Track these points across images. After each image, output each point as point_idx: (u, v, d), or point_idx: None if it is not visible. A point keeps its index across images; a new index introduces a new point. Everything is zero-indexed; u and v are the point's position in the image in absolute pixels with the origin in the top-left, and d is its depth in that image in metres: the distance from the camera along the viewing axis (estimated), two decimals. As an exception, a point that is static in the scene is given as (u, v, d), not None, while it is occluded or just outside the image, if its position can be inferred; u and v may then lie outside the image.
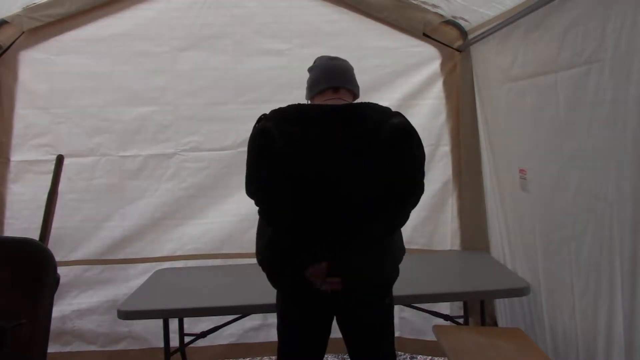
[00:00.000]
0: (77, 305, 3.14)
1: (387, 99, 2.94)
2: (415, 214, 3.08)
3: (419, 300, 2.74)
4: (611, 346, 1.86)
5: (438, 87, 3.18)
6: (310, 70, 2.02)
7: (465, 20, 3.01)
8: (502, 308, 2.97)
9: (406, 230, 3.06)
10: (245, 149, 1.86)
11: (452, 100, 3.18)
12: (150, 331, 3.08)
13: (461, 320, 2.97)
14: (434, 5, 3.01)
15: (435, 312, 2.93)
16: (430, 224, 3.22)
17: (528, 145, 2.44)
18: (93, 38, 3.08)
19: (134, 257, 3.18)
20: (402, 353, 3.25)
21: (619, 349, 1.81)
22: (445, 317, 2.90)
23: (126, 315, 2.39)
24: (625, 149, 1.69)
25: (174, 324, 2.76)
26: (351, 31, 3.13)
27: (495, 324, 3.05)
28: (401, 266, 1.94)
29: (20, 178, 3.09)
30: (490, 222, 3.08)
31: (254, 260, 1.95)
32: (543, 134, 2.29)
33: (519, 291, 2.48)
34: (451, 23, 3.08)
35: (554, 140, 2.19)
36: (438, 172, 3.20)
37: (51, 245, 2.12)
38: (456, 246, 3.22)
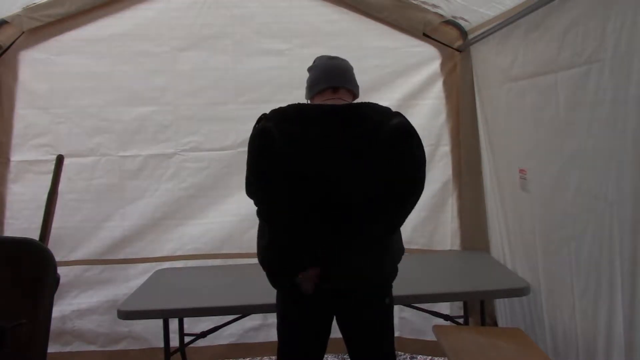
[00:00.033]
0: (77, 305, 3.15)
1: (387, 99, 2.94)
2: (415, 214, 3.08)
3: (419, 300, 2.74)
4: (611, 346, 1.86)
5: (438, 87, 3.18)
6: (309, 70, 2.02)
7: (465, 20, 3.01)
8: (502, 308, 2.97)
9: (406, 230, 3.07)
10: (245, 149, 1.86)
11: (452, 100, 3.18)
12: (150, 331, 3.08)
13: (461, 320, 2.97)
14: (434, 5, 3.01)
15: (435, 312, 2.93)
16: (430, 224, 3.22)
17: (528, 145, 2.44)
18: (93, 38, 3.08)
19: (134, 257, 3.18)
20: (402, 353, 3.25)
21: (619, 349, 1.81)
22: (445, 317, 2.90)
23: (126, 315, 2.39)
24: (625, 149, 1.69)
25: (174, 324, 2.76)
26: (351, 31, 3.13)
27: (495, 324, 3.05)
28: (401, 266, 1.94)
29: (20, 178, 3.09)
30: (490, 222, 3.08)
31: (254, 260, 1.95)
32: (543, 134, 2.29)
33: (519, 291, 2.48)
34: (451, 23, 3.08)
35: (554, 140, 2.19)
36: (438, 172, 3.20)
37: (51, 245, 2.11)
38: (456, 246, 3.22)
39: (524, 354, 2.20)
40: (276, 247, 1.84)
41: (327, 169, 1.78)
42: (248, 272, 2.58)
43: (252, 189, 1.85)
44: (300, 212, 1.80)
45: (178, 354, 2.83)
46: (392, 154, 1.77)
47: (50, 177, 2.35)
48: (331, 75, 1.94)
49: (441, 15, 3.06)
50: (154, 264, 3.15)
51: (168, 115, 3.15)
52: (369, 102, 1.89)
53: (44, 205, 2.26)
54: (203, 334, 2.82)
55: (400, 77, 3.17)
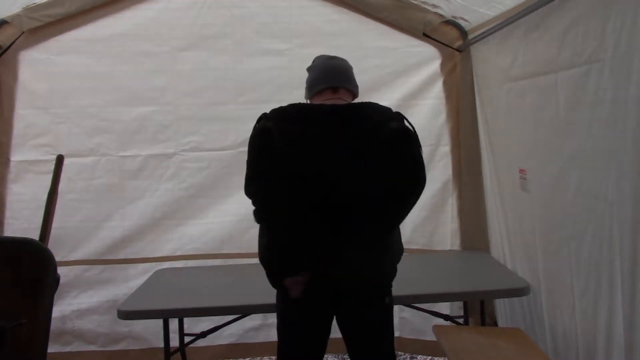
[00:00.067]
0: (77, 305, 3.14)
1: (387, 99, 2.93)
2: (415, 214, 3.13)
3: (419, 300, 2.74)
4: (611, 346, 1.86)
5: (438, 87, 3.18)
6: (309, 69, 2.02)
7: (465, 20, 3.01)
8: (502, 308, 2.97)
9: (406, 230, 3.11)
10: (246, 149, 1.86)
11: (452, 100, 3.18)
12: (150, 331, 3.08)
13: (461, 320, 2.97)
14: (434, 5, 3.01)
15: (435, 312, 2.93)
16: (430, 224, 3.22)
17: (528, 145, 2.44)
18: (93, 38, 3.08)
19: (134, 257, 3.18)
20: (402, 353, 3.25)
21: (619, 349, 1.81)
22: (445, 317, 2.90)
23: (126, 315, 2.39)
24: (625, 149, 1.69)
25: (174, 324, 2.76)
26: (351, 31, 3.13)
27: (495, 324, 3.05)
28: (401, 266, 1.94)
29: (20, 178, 3.09)
30: (490, 222, 3.08)
31: (254, 260, 1.95)
32: (543, 134, 2.29)
33: (519, 291, 2.48)
34: (451, 23, 3.08)
35: (554, 140, 2.19)
36: (438, 172, 3.20)
37: (51, 245, 2.12)
38: (456, 246, 3.22)
39: (524, 354, 2.20)
40: (276, 247, 1.84)
41: (327, 168, 1.79)
42: (248, 272, 2.58)
43: (252, 189, 1.84)
44: (300, 212, 1.80)
45: (178, 354, 2.83)
46: (392, 154, 1.78)
47: (50, 177, 2.35)
48: (331, 75, 1.94)
49: (441, 15, 3.06)
50: (154, 264, 3.15)
51: (168, 115, 3.15)
52: (369, 102, 1.90)
53: (44, 205, 2.26)
54: (203, 334, 2.82)
55: (400, 77, 3.17)
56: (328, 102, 1.90)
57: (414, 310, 3.00)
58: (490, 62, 2.85)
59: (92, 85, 3.10)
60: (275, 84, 3.11)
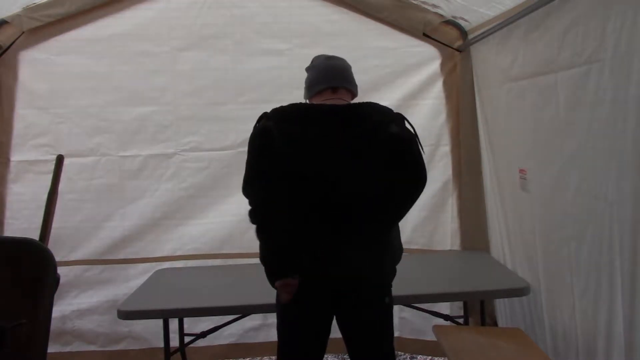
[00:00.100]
0: (77, 305, 3.14)
1: (387, 99, 2.93)
2: (415, 214, 3.14)
3: (419, 300, 2.74)
4: (611, 346, 1.86)
5: (438, 87, 3.18)
6: (307, 70, 2.02)
7: (465, 20, 3.01)
8: (502, 308, 2.97)
9: (406, 230, 3.12)
10: (245, 149, 1.86)
11: (452, 100, 3.18)
12: (150, 331, 3.08)
13: (461, 320, 2.97)
14: (434, 5, 3.01)
15: (435, 312, 2.93)
16: (430, 224, 3.22)
17: (528, 145, 2.44)
18: (93, 38, 3.08)
19: (134, 257, 3.18)
20: (402, 353, 3.24)
21: (619, 349, 1.81)
22: (445, 317, 2.90)
23: (126, 315, 2.39)
24: (625, 149, 1.69)
25: (174, 324, 2.76)
26: (351, 31, 3.13)
27: (495, 324, 3.05)
28: (401, 266, 1.94)
29: (20, 178, 3.09)
30: (490, 222, 3.08)
31: (254, 260, 1.95)
32: (543, 134, 2.29)
33: (519, 291, 2.48)
34: (451, 23, 3.08)
35: (554, 140, 2.19)
36: (438, 172, 3.20)
37: (51, 245, 2.11)
38: (456, 246, 3.22)
39: (524, 354, 2.20)
40: (276, 247, 1.84)
41: (327, 168, 1.79)
42: (248, 272, 2.58)
43: (250, 189, 1.84)
44: (300, 212, 1.80)
45: (178, 354, 2.83)
46: (392, 156, 1.78)
47: (50, 177, 2.35)
48: (330, 75, 1.94)
49: (441, 15, 3.06)
50: (154, 264, 3.15)
51: (168, 115, 3.15)
52: (369, 102, 1.90)
53: (44, 205, 2.26)
54: (203, 334, 2.82)
55: (400, 77, 3.17)
56: (328, 102, 1.89)
57: (414, 310, 3.00)
58: (490, 62, 2.85)
59: (92, 85, 3.10)
60: (275, 84, 3.11)
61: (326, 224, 1.80)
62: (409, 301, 2.69)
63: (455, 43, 3.11)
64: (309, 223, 1.81)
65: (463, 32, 3.08)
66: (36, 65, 3.07)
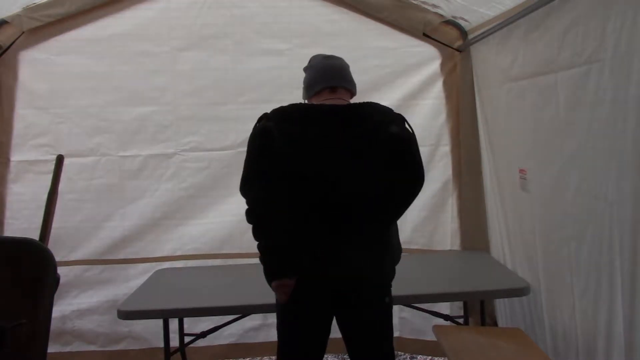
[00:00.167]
0: (77, 305, 3.14)
1: (387, 99, 2.93)
2: (415, 214, 3.14)
3: (419, 300, 2.74)
4: (611, 346, 1.86)
5: (438, 87, 3.18)
6: (305, 70, 2.02)
7: (465, 20, 3.01)
8: (502, 308, 2.97)
9: (406, 230, 3.12)
10: (245, 149, 1.86)
11: (452, 100, 3.18)
12: (150, 331, 3.08)
13: (461, 320, 2.97)
14: (434, 5, 3.01)
15: (435, 312, 2.93)
16: (430, 224, 3.22)
17: (528, 145, 2.44)
18: (93, 38, 3.08)
19: (134, 257, 3.18)
20: (402, 353, 3.24)
21: (619, 349, 1.81)
22: (445, 317, 2.90)
23: (126, 315, 2.39)
24: (625, 149, 1.69)
25: (174, 324, 2.76)
26: (351, 31, 3.13)
27: (495, 324, 3.05)
28: (401, 266, 1.94)
29: (20, 178, 3.09)
30: (490, 222, 3.08)
31: (254, 260, 1.95)
32: (543, 134, 2.29)
33: (519, 291, 2.48)
34: (451, 23, 3.08)
35: (554, 140, 2.19)
36: (438, 172, 3.20)
37: (51, 245, 2.12)
38: (456, 246, 3.22)
39: (524, 354, 2.20)
40: (274, 247, 1.83)
41: (327, 169, 1.79)
42: (248, 272, 2.58)
43: (249, 189, 1.84)
44: (300, 212, 1.80)
45: (178, 354, 2.83)
46: (392, 156, 1.79)
47: (50, 177, 2.35)
48: (328, 75, 1.94)
49: (441, 15, 3.06)
50: (154, 264, 3.15)
51: (168, 115, 3.15)
52: (370, 102, 1.90)
53: (44, 205, 2.26)
54: (203, 334, 2.82)
55: (400, 77, 3.17)
56: (327, 102, 1.90)
57: (414, 310, 3.00)
58: (490, 62, 2.85)
59: (92, 85, 3.10)
60: (275, 84, 3.11)
61: (326, 224, 1.80)
62: (409, 301, 2.69)
63: (455, 43, 3.11)
64: (309, 223, 1.81)
65: (463, 32, 3.08)
66: (36, 65, 3.07)
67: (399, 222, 1.95)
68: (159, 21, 3.11)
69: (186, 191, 3.19)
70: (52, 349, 2.30)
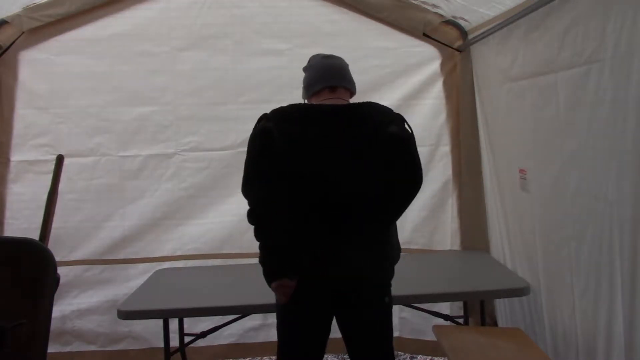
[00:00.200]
0: (77, 305, 3.14)
1: (387, 99, 2.93)
2: (415, 214, 3.14)
3: (419, 300, 2.74)
4: (611, 346, 1.86)
5: (438, 87, 3.18)
6: (305, 70, 2.02)
7: (465, 20, 3.01)
8: (502, 308, 2.97)
9: (406, 230, 3.12)
10: (245, 149, 1.86)
11: (452, 100, 3.18)
12: (150, 331, 3.08)
13: (461, 320, 2.98)
14: (434, 5, 3.01)
15: (435, 312, 2.93)
16: (430, 224, 3.22)
17: (528, 145, 2.44)
18: (93, 38, 3.08)
19: (134, 257, 3.18)
20: (402, 353, 3.24)
21: (619, 349, 1.81)
22: (445, 317, 2.90)
23: (126, 315, 2.39)
24: (625, 149, 1.69)
25: (174, 324, 2.76)
26: (351, 31, 3.13)
27: (495, 324, 3.05)
28: (401, 266, 1.94)
29: (20, 178, 3.09)
30: (490, 222, 3.08)
31: (254, 260, 1.95)
32: (543, 134, 2.29)
33: (519, 291, 2.48)
34: (451, 23, 3.08)
35: (554, 140, 2.19)
36: (438, 172, 3.20)
37: (51, 245, 2.11)
38: (456, 246, 3.22)
39: (524, 354, 2.20)
40: (275, 247, 1.83)
41: (327, 169, 1.79)
42: (248, 272, 2.58)
43: (248, 189, 1.84)
44: (300, 212, 1.80)
45: (178, 354, 2.83)
46: (391, 156, 1.79)
47: (50, 177, 2.35)
48: (328, 74, 1.94)
49: (441, 15, 3.06)
50: (154, 264, 3.15)
51: (168, 115, 3.15)
52: (370, 102, 1.90)
53: (44, 205, 2.26)
54: (203, 334, 2.82)
55: (400, 77, 3.17)
56: (327, 102, 1.90)
57: (414, 310, 3.00)
58: (490, 62, 2.85)
59: (92, 85, 3.10)
60: (275, 84, 3.11)
61: (326, 224, 1.80)
62: (409, 301, 2.69)
63: (455, 43, 3.11)
64: (309, 223, 1.81)
65: (463, 32, 3.08)
66: (36, 65, 3.07)
67: (399, 222, 1.95)
68: (159, 21, 3.11)
69: (186, 191, 3.19)
70: (52, 349, 2.30)
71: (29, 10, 2.96)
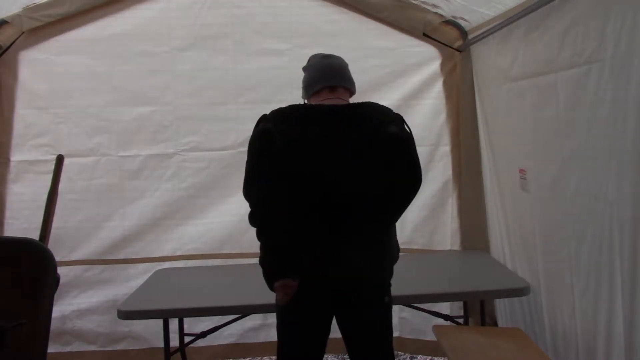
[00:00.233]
0: (77, 305, 3.14)
1: (387, 99, 2.93)
2: (415, 214, 3.14)
3: (419, 300, 2.74)
4: (611, 346, 1.86)
5: (438, 87, 3.18)
6: (304, 69, 2.02)
7: (465, 20, 3.01)
8: (502, 308, 2.97)
9: (406, 230, 3.12)
10: (245, 149, 1.86)
11: (452, 100, 3.18)
12: (150, 331, 3.08)
13: (461, 320, 2.98)
14: (434, 5, 3.01)
15: (435, 312, 2.93)
16: (430, 224, 3.22)
17: (528, 145, 2.44)
18: (93, 38, 3.08)
19: (134, 257, 3.18)
20: (402, 353, 3.24)
21: (619, 349, 1.81)
22: (445, 317, 2.90)
23: (126, 315, 2.39)
24: (625, 149, 1.69)
25: (174, 324, 2.76)
26: (351, 31, 3.13)
27: (495, 324, 3.05)
28: (401, 266, 1.94)
29: (20, 178, 3.09)
30: (490, 222, 3.08)
31: (254, 260, 1.95)
32: (543, 134, 2.29)
33: (519, 291, 2.48)
34: (451, 23, 3.08)
35: (554, 140, 2.19)
36: (438, 172, 3.20)
37: (51, 245, 2.12)
38: (456, 246, 3.22)
39: (524, 354, 2.20)
40: (275, 247, 1.83)
41: (327, 169, 1.79)
42: (248, 272, 2.58)
43: (249, 190, 1.84)
44: (300, 212, 1.80)
45: (178, 354, 2.83)
46: (391, 156, 1.79)
47: (50, 177, 2.35)
48: (327, 74, 1.94)
49: (441, 15, 3.06)
50: (154, 264, 3.15)
51: (168, 115, 3.15)
52: (369, 102, 1.90)
53: (44, 205, 2.27)
54: (203, 334, 2.82)
55: (400, 77, 3.17)
56: (327, 102, 1.90)
57: (414, 310, 3.00)
58: (490, 62, 2.85)
59: (92, 85, 3.10)
60: (275, 84, 3.11)
61: (326, 224, 1.80)
62: (409, 301, 2.69)
63: (455, 43, 3.11)
64: (309, 223, 1.81)
65: (463, 32, 3.08)
66: (36, 65, 3.07)
67: (399, 222, 1.94)
68: (159, 21, 3.11)
69: (186, 191, 3.19)
70: (52, 349, 2.30)
71: (29, 10, 2.96)
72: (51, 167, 2.38)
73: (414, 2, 3.05)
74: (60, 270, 2.00)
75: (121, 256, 3.17)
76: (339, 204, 1.79)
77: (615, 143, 1.74)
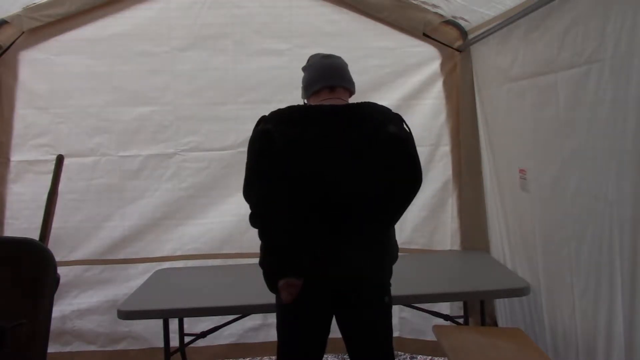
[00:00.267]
0: (77, 305, 3.14)
1: (387, 99, 2.94)
2: (415, 214, 3.14)
3: (419, 300, 2.74)
4: (611, 346, 1.86)
5: (438, 87, 3.18)
6: (304, 69, 2.02)
7: (465, 20, 3.01)
8: (502, 308, 2.97)
9: (406, 230, 3.12)
10: (245, 149, 1.86)
11: (452, 100, 3.18)
12: (150, 331, 3.08)
13: (461, 320, 2.98)
14: (434, 5, 3.01)
15: (435, 312, 2.93)
16: (430, 224, 3.22)
17: (528, 145, 2.44)
18: (93, 38, 3.08)
19: (134, 257, 3.18)
20: (402, 353, 3.24)
21: (619, 349, 1.81)
22: (445, 317, 2.90)
23: (126, 315, 2.39)
24: (625, 149, 1.69)
25: (174, 324, 2.76)
26: (351, 31, 3.13)
27: (495, 324, 3.05)
28: (401, 266, 1.94)
29: (20, 178, 3.09)
30: (490, 222, 3.08)
31: (254, 260, 1.95)
32: (543, 134, 2.29)
33: (519, 291, 2.48)
34: (451, 23, 3.08)
35: (554, 140, 2.19)
36: (438, 172, 3.20)
37: (51, 245, 2.12)
38: (456, 246, 3.22)
39: (524, 354, 2.20)
40: (277, 247, 1.83)
41: (327, 169, 1.79)
42: (248, 272, 2.57)
43: (249, 191, 1.84)
44: (300, 213, 1.80)
45: (178, 354, 2.83)
46: (391, 156, 1.79)
47: (50, 177, 2.35)
48: (327, 74, 1.94)
49: (441, 15, 3.06)
50: (154, 264, 3.15)
51: (168, 115, 3.15)
52: (369, 102, 1.90)
53: (44, 205, 2.26)
54: (203, 334, 2.82)
55: (400, 77, 3.17)
56: (326, 102, 1.90)
57: (414, 310, 3.00)
58: (490, 62, 2.85)
59: (92, 85, 3.10)
60: (275, 84, 3.11)
61: (326, 224, 1.80)
62: (409, 301, 2.69)
63: (455, 43, 3.11)
64: (309, 223, 1.81)
65: (463, 32, 3.08)
66: (36, 65, 3.07)
67: (399, 221, 1.94)
68: (159, 21, 3.11)
69: (186, 191, 3.19)
70: (52, 349, 2.30)
71: (29, 10, 2.96)
72: (51, 167, 2.38)
73: (414, 2, 3.05)
74: (60, 270, 2.00)
75: (121, 256, 3.17)
76: (339, 204, 1.79)
77: (615, 143, 1.75)
